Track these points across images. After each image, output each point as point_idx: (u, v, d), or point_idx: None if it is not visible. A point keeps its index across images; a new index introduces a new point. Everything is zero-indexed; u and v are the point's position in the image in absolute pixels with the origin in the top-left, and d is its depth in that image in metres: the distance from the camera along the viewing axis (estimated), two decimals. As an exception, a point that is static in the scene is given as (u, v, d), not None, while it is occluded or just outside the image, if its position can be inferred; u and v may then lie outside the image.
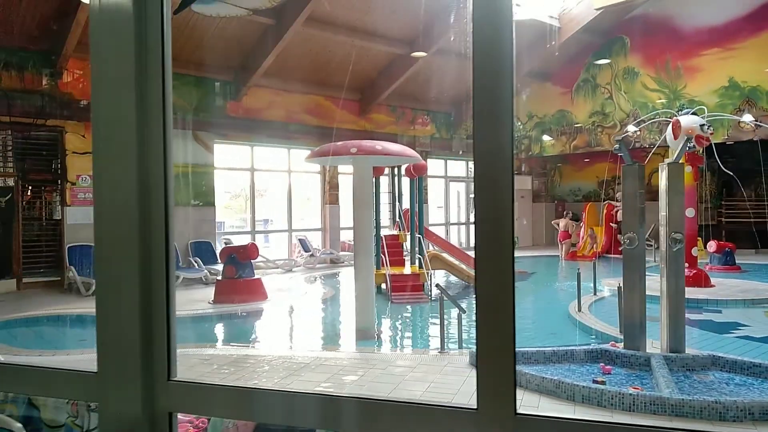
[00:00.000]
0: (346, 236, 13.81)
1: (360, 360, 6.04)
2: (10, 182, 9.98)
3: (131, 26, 1.48)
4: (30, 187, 10.46)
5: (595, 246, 15.10)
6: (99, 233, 1.48)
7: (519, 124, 18.70)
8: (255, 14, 11.34)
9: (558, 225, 16.06)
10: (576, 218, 16.30)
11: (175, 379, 1.54)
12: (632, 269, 5.58)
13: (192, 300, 8.78)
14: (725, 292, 9.11)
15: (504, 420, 1.28)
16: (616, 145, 6.08)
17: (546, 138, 18.17)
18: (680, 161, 6.64)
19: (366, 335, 6.86)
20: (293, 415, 1.52)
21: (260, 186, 14.47)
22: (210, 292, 8.94)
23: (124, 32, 1.48)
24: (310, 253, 13.04)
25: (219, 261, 10.11)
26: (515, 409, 1.27)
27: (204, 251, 11.06)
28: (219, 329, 7.86)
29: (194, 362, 5.81)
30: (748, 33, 14.82)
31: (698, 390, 4.63)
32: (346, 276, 11.38)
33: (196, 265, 10.64)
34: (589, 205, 16.30)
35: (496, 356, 1.31)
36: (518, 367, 4.98)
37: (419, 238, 9.98)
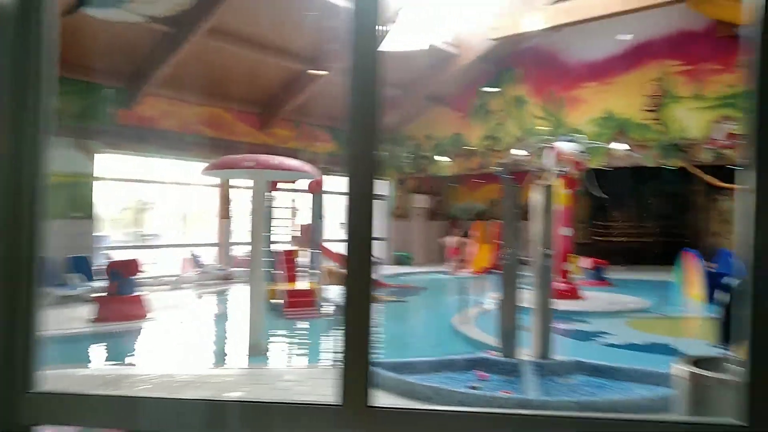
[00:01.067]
0: (241, 251, 13.58)
1: (247, 376, 5.98)
2: None
3: (11, 27, 1.47)
4: None
5: (482, 262, 15.86)
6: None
7: (417, 144, 19.36)
8: (153, 21, 11.01)
9: (446, 243, 16.74)
10: (466, 235, 17.06)
11: (34, 391, 1.52)
12: (509, 282, 5.99)
13: (72, 318, 8.26)
14: (594, 304, 9.95)
15: (360, 412, 1.44)
16: (499, 168, 6.54)
17: (442, 159, 18.95)
18: (553, 184, 7.24)
19: (257, 351, 6.80)
20: (143, 421, 1.56)
21: (153, 198, 13.92)
22: (88, 309, 8.46)
23: (4, 32, 1.48)
24: (202, 269, 12.68)
25: (96, 277, 9.60)
26: (366, 402, 1.44)
27: (82, 266, 10.41)
28: (96, 349, 7.45)
29: (67, 384, 5.49)
30: (622, 70, 16.39)
31: (561, 392, 5.05)
32: (239, 292, 11.19)
33: (73, 280, 10.01)
34: (478, 223, 17.14)
35: (355, 358, 1.46)
36: (402, 377, 5.18)
37: (315, 253, 10.05)
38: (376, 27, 1.45)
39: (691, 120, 15.70)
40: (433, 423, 1.46)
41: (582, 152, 10.76)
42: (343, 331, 1.48)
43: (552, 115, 17.43)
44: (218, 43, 12.33)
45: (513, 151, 14.51)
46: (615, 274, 14.00)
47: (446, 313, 9.45)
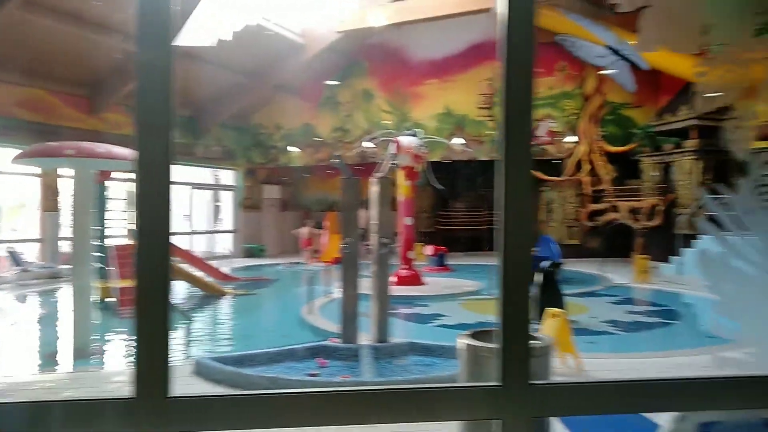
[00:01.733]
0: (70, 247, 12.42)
1: (70, 380, 5.55)
2: None
3: None
4: None
5: (335, 252, 16.13)
6: None
7: (266, 134, 19.06)
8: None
9: (299, 234, 16.78)
10: (319, 226, 17.22)
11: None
12: (349, 271, 6.19)
13: None
14: (433, 288, 10.62)
15: (157, 404, 1.44)
16: (336, 159, 6.69)
17: (293, 149, 18.87)
18: (395, 176, 7.61)
19: (83, 354, 6.31)
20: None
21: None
22: None
23: None
24: (22, 267, 11.41)
25: None
26: (165, 394, 1.45)
27: None
28: None
29: None
30: (459, 69, 17.53)
31: (395, 372, 5.37)
32: (68, 291, 10.26)
33: None
34: (330, 213, 17.36)
35: (153, 350, 1.46)
36: (239, 370, 5.15)
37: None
38: (166, 18, 1.45)
39: (519, 117, 17.26)
40: (233, 409, 1.52)
41: (422, 146, 11.36)
42: (136, 325, 1.48)
43: (397, 110, 18.15)
44: (36, 17, 11.08)
45: (364, 143, 14.92)
46: (455, 260, 15.02)
47: (296, 304, 9.49)
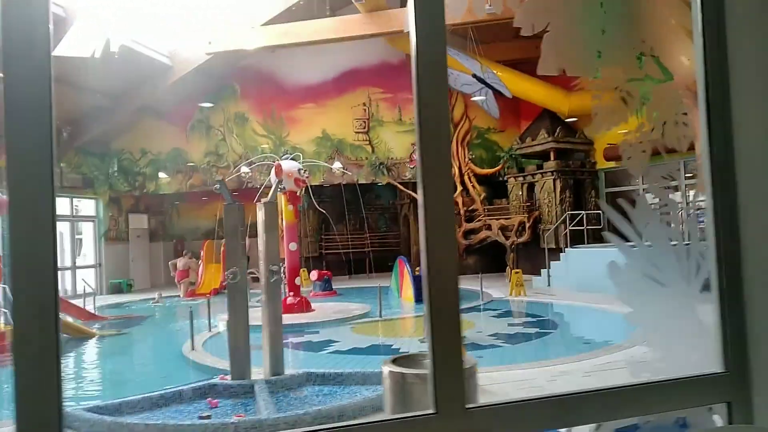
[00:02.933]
0: None
1: None
2: None
3: None
4: None
5: (213, 283, 15.35)
6: None
7: (131, 159, 17.77)
8: None
9: (176, 265, 15.76)
10: (196, 256, 16.31)
11: None
12: (236, 302, 5.85)
13: None
14: (323, 314, 10.44)
15: None
16: (217, 185, 6.35)
17: (162, 175, 17.78)
18: (277, 201, 7.38)
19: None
20: None
21: None
22: None
23: None
24: None
25: None
26: None
27: None
28: None
29: None
30: (334, 94, 17.68)
31: (294, 406, 5.13)
32: None
33: None
34: (207, 242, 16.54)
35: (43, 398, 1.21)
36: (120, 419, 4.62)
37: (3, 288, 8.39)
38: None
39: (395, 142, 17.79)
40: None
41: (302, 170, 11.22)
42: (16, 374, 1.22)
43: (273, 133, 17.84)
44: None
45: (243, 168, 14.42)
46: (341, 283, 14.95)
47: (175, 341, 8.82)
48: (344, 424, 1.47)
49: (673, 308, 2.37)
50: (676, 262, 2.21)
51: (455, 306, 1.47)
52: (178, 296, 15.09)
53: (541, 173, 15.48)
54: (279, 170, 10.38)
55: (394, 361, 2.46)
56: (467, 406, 1.46)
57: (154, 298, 14.31)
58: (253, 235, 6.85)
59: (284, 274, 10.22)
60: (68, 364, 8.40)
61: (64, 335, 9.39)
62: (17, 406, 1.18)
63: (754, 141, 1.84)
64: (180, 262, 15.72)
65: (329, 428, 1.39)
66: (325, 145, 17.66)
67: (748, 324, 1.84)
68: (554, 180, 15.06)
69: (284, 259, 10.66)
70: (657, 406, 1.87)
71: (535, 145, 15.51)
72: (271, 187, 9.72)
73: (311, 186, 13.08)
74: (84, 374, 8.07)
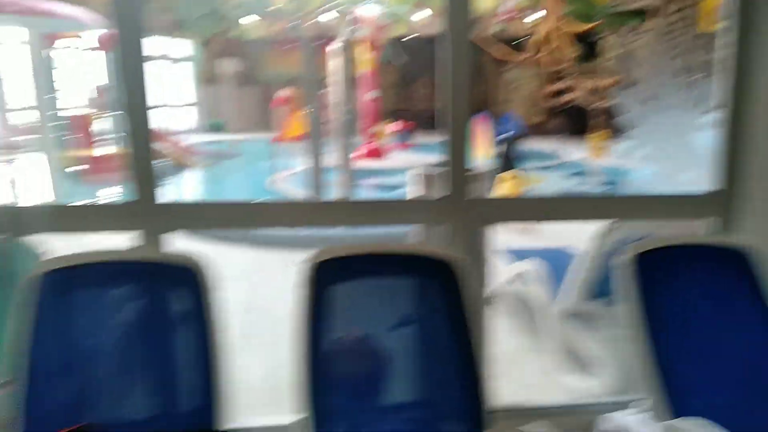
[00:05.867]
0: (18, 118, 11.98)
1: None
2: None
3: None
4: None
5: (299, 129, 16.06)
6: None
7: (219, 1, 18.00)
8: None
9: (273, 109, 16.50)
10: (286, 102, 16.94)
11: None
12: (315, 142, 6.42)
13: None
14: (395, 162, 11.02)
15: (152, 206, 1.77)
16: (299, 31, 6.63)
17: (247, 20, 18.00)
18: (355, 49, 7.55)
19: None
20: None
21: None
22: None
23: None
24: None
25: None
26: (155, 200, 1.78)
27: None
28: None
29: None
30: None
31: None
32: (28, 161, 10.18)
33: None
34: (292, 89, 17.06)
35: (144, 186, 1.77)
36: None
37: (117, 117, 9.41)
38: None
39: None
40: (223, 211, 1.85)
41: (385, 17, 11.13)
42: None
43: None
44: None
45: (320, 15, 14.37)
46: (419, 137, 15.30)
47: (260, 175, 9.75)
48: (382, 199, 1.97)
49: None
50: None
51: (463, 124, 1.84)
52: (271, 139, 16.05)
53: (640, 33, 14.37)
54: (359, 16, 10.38)
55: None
56: (467, 198, 1.88)
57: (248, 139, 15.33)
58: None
59: (361, 121, 10.65)
60: (169, 187, 9.62)
61: (167, 162, 10.60)
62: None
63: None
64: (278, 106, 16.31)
65: (370, 201, 1.91)
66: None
67: (745, 145, 2.02)
68: (653, 40, 13.98)
69: (359, 107, 11.02)
70: (654, 215, 2.16)
71: (635, 2, 14.23)
72: (347, 34, 9.82)
73: (395, 37, 12.97)
74: (183, 196, 9.25)
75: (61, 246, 1.62)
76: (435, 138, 1.90)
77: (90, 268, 1.52)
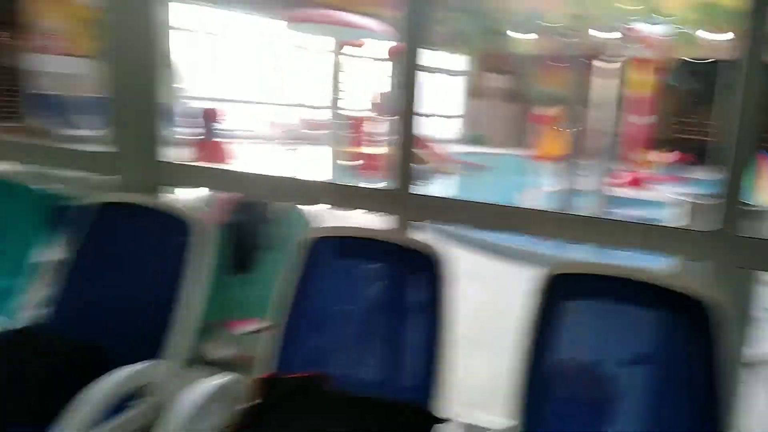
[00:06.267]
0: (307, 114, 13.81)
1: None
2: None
3: None
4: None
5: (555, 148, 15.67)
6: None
7: (496, 17, 18.45)
8: None
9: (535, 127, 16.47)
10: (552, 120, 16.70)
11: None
12: (570, 165, 6.20)
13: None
14: (656, 194, 9.99)
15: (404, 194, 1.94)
16: (577, 50, 6.46)
17: (519, 36, 18.11)
18: (628, 69, 7.04)
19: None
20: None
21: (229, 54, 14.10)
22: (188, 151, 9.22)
23: None
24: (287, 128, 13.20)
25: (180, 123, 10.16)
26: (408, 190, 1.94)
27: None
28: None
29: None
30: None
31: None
32: (313, 152, 11.83)
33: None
34: (556, 108, 16.69)
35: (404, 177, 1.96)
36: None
37: (393, 121, 10.41)
38: None
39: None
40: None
41: (669, 37, 10.14)
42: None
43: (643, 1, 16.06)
44: None
45: (593, 32, 13.69)
46: (697, 172, 13.68)
47: (511, 190, 9.79)
48: (638, 221, 1.87)
49: None
50: None
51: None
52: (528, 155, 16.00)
53: None
54: (638, 36, 9.68)
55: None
56: (740, 234, 1.66)
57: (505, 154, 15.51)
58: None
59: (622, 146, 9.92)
60: (423, 188, 10.25)
61: (426, 167, 11.38)
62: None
63: None
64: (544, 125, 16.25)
65: (624, 221, 1.80)
66: (707, 13, 15.20)
67: None
68: None
69: (623, 131, 10.25)
70: None
71: None
72: (622, 53, 9.21)
73: (680, 59, 11.79)
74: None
75: (328, 218, 1.89)
76: (713, 174, 1.70)
77: (344, 240, 1.75)
